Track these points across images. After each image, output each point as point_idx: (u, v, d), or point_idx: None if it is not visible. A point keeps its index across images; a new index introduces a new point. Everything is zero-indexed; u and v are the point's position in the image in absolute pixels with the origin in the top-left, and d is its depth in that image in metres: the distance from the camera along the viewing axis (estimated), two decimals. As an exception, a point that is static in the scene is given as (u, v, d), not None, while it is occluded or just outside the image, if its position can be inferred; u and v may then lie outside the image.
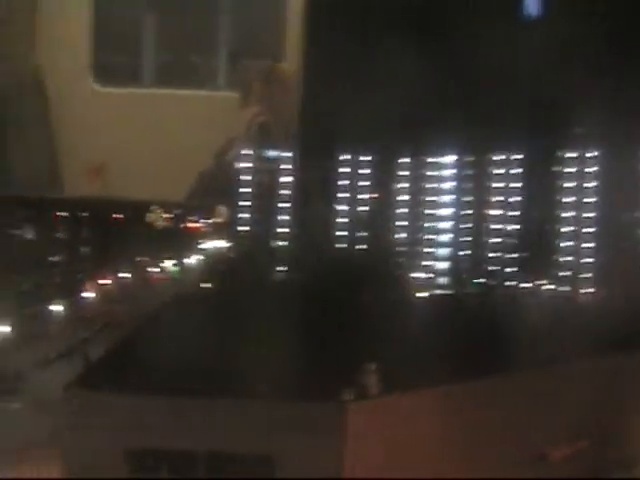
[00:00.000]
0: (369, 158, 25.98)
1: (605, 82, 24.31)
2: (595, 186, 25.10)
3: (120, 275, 26.18)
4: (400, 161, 26.03)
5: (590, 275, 25.04)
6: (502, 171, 25.69)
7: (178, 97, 27.15)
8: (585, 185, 25.14)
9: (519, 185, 25.60)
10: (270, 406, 17.85)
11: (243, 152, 26.19)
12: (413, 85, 24.05)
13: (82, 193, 26.81)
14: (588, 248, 25.08)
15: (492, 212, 25.78)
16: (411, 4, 25.02)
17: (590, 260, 25.03)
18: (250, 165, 26.33)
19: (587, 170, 25.12)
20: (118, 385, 18.36)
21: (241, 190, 26.21)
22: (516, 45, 24.71)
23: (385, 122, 25.22)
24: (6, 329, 23.92)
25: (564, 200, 25.36)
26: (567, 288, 25.08)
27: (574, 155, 25.22)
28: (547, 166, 25.57)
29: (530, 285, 25.32)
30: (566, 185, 25.31)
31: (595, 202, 25.13)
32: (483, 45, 24.45)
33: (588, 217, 25.16)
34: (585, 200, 25.18)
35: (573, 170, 25.26)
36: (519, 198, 25.67)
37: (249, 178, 26.37)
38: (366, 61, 24.79)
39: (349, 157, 25.96)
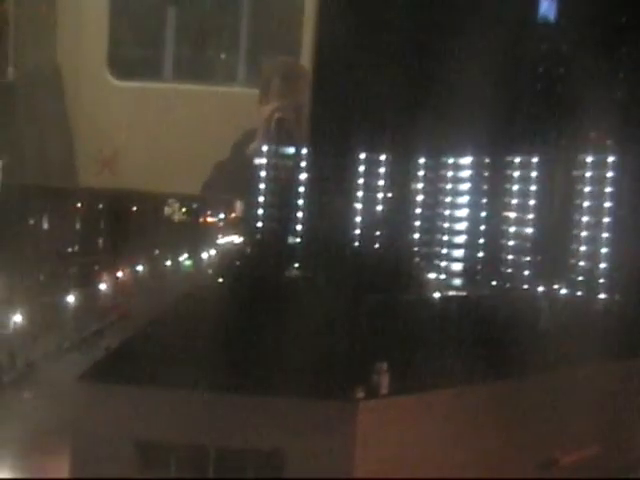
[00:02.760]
0: (385, 157, 25.98)
1: (623, 88, 24.26)
2: (612, 191, 25.01)
3: (136, 268, 26.27)
4: (417, 161, 26.01)
5: (604, 280, 24.95)
6: (519, 173, 25.64)
7: (196, 93, 27.08)
8: (602, 190, 25.05)
9: (536, 188, 25.55)
10: (282, 403, 17.83)
11: (261, 148, 26.21)
12: (429, 85, 24.03)
13: (94, 184, 26.84)
14: (604, 253, 24.99)
15: (509, 214, 25.74)
16: (424, 3, 25.04)
17: (605, 265, 24.93)
18: (267, 161, 26.35)
19: (605, 175, 25.02)
20: (130, 377, 18.36)
21: (258, 186, 26.24)
22: (533, 48, 24.75)
23: (402, 121, 25.21)
24: (21, 318, 24.05)
25: (581, 204, 25.28)
26: (581, 292, 25.02)
27: (592, 159, 25.13)
28: (565, 170, 25.49)
29: (544, 288, 25.26)
30: (584, 189, 25.24)
31: (611, 207, 25.02)
32: (501, 46, 24.45)
33: (605, 222, 25.08)
34: (603, 205, 25.09)
35: (590, 174, 25.17)
36: (536, 201, 25.61)
37: (266, 174, 26.38)
38: (381, 58, 24.74)
39: (365, 155, 25.97)
